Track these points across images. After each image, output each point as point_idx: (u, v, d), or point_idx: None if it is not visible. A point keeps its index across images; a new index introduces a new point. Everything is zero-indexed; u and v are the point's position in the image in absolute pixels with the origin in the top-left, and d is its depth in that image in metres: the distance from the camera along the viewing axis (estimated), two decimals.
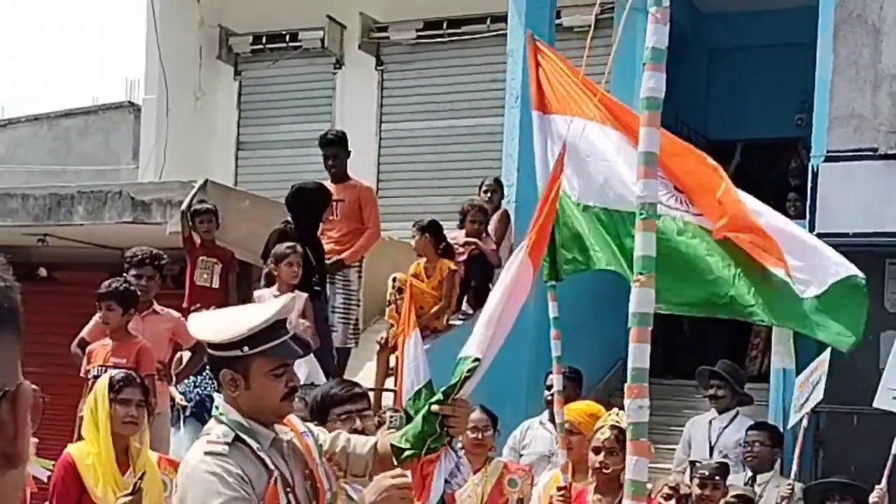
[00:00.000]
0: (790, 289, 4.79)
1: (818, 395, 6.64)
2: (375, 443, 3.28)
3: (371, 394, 8.35)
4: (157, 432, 6.68)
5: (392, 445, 3.21)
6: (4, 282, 1.07)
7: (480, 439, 5.97)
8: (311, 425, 3.33)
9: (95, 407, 4.95)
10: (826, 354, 6.06)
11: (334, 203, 8.79)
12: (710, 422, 7.61)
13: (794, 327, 5.29)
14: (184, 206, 8.94)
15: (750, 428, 7.27)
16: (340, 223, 8.93)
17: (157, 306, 7.24)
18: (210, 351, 3.08)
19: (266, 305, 3.15)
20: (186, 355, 7.47)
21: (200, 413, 7.33)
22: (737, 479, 7.14)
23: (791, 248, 4.88)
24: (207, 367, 3.38)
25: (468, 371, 3.42)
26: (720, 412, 7.60)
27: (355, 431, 3.89)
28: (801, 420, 6.88)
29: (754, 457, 7.04)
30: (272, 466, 2.99)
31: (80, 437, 5.17)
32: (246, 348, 2.96)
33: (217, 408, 3.08)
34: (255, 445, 3.00)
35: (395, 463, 3.19)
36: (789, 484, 6.72)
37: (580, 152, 5.17)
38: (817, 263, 4.96)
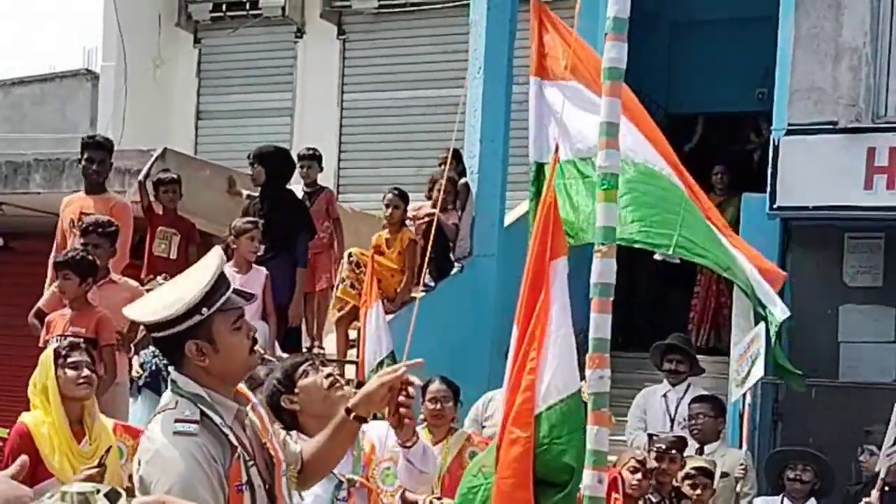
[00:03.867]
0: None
1: (759, 370, 6.66)
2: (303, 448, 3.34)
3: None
4: (116, 402, 6.63)
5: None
6: None
7: (439, 410, 5.96)
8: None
9: (45, 379, 4.89)
10: (761, 328, 6.10)
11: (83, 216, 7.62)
12: (666, 394, 7.62)
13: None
14: (142, 176, 8.83)
15: (693, 401, 7.29)
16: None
17: (114, 275, 7.15)
18: (162, 332, 2.95)
19: (202, 264, 3.03)
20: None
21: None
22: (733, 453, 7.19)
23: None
24: (162, 352, 3.17)
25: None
26: (674, 385, 7.63)
27: (329, 376, 3.90)
28: (744, 395, 6.95)
29: (699, 429, 7.05)
30: (235, 442, 2.93)
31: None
32: (205, 310, 2.89)
33: (174, 381, 2.98)
34: (218, 421, 2.93)
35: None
36: (741, 464, 6.74)
37: (577, 110, 5.06)
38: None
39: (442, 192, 9.00)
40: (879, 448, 6.48)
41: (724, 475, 6.71)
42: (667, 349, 7.69)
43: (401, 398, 3.23)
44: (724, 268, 5.17)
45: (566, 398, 3.61)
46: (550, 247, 3.69)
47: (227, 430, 2.93)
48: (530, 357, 3.64)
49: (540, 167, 5.25)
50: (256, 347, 3.12)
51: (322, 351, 8.54)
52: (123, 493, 1.32)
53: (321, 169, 9.32)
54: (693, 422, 7.10)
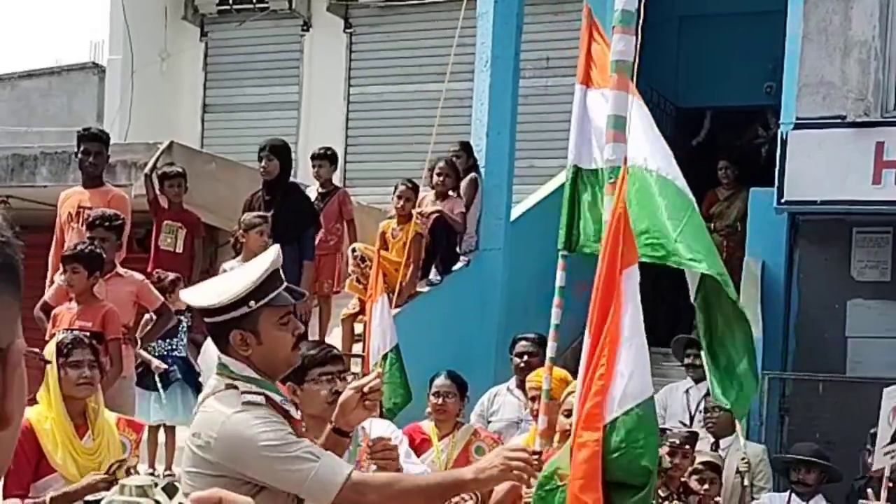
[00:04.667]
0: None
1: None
2: None
3: None
4: (121, 395, 6.62)
5: None
6: (3, 237, 1.03)
7: (442, 405, 5.95)
8: None
9: (46, 374, 4.87)
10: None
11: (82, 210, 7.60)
12: (687, 390, 7.59)
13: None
14: (147, 169, 8.82)
15: (707, 394, 7.25)
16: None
17: (120, 269, 7.14)
18: (212, 318, 3.04)
19: (257, 260, 3.15)
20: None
21: (191, 376, 7.35)
22: (702, 445, 7.17)
23: None
24: (208, 334, 3.26)
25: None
26: (697, 381, 7.58)
27: (336, 394, 3.88)
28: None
29: (714, 422, 7.04)
30: (297, 416, 3.07)
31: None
32: (252, 303, 2.97)
33: (226, 366, 3.04)
34: (278, 398, 3.03)
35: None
36: (744, 458, 6.72)
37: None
38: None
39: (441, 178, 8.99)
40: None
41: (736, 471, 6.69)
42: (688, 343, 7.65)
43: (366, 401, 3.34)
44: (719, 273, 5.17)
45: (642, 403, 3.64)
46: (621, 255, 3.68)
47: (288, 407, 3.05)
48: (601, 364, 3.65)
49: (577, 171, 5.30)
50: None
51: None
52: (180, 488, 1.32)
53: (335, 168, 9.24)
54: (709, 415, 7.06)
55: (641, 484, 3.63)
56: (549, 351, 5.33)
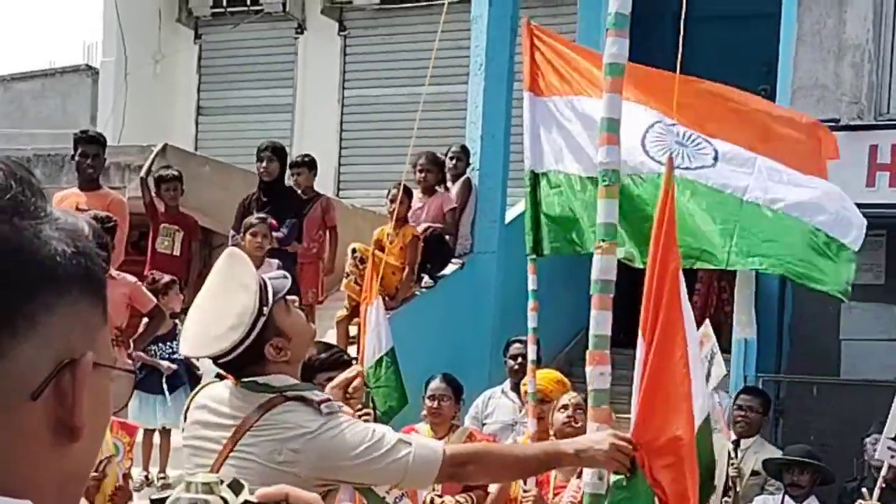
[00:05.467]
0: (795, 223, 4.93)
1: (720, 369, 6.60)
2: None
3: None
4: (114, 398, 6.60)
5: None
6: (86, 246, 1.03)
7: (437, 408, 5.96)
8: None
9: None
10: (704, 328, 6.06)
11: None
12: None
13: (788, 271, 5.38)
14: (143, 172, 8.82)
15: (743, 392, 7.17)
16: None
17: (112, 271, 7.12)
18: (235, 353, 2.87)
19: (238, 270, 2.97)
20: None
21: (194, 379, 7.31)
22: (723, 444, 7.09)
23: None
24: (235, 369, 2.97)
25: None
26: None
27: (344, 399, 3.88)
28: (710, 395, 6.89)
29: (747, 422, 6.90)
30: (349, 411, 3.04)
31: None
32: (265, 309, 2.89)
33: (266, 385, 2.89)
34: (327, 397, 2.98)
35: None
36: (734, 464, 6.69)
37: (581, 128, 5.25)
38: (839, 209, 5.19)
39: (424, 174, 9.03)
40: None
41: (755, 473, 6.64)
42: None
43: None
44: (783, 263, 5.24)
45: (707, 417, 3.66)
46: (669, 261, 3.67)
47: (339, 404, 2.98)
48: (681, 382, 3.62)
49: (535, 176, 5.39)
50: None
51: None
52: (245, 485, 1.31)
53: (315, 175, 9.21)
54: (743, 414, 6.92)
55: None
56: (530, 354, 5.37)
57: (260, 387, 2.90)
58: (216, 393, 3.00)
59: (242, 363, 2.91)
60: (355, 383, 3.34)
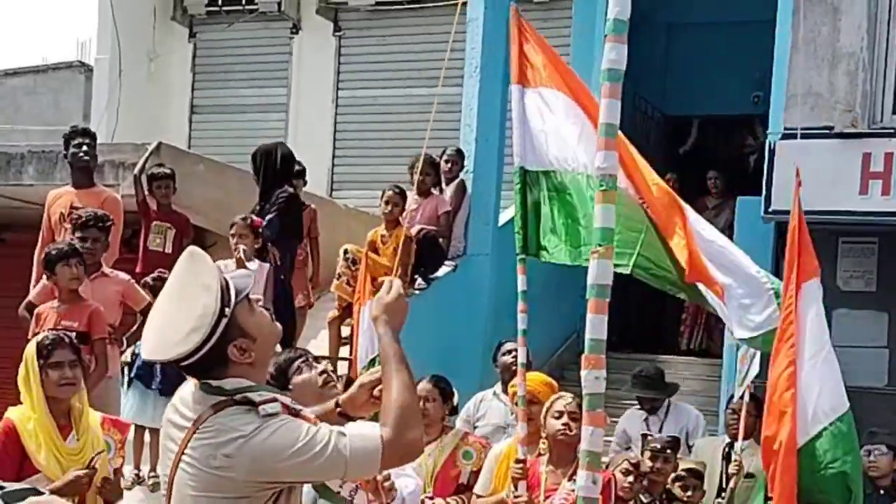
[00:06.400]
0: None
1: (755, 368, 6.68)
2: None
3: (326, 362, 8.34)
4: (107, 395, 6.60)
5: None
6: None
7: (423, 409, 5.95)
8: None
9: (27, 375, 4.84)
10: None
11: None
12: (647, 419, 7.54)
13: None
14: (137, 170, 8.80)
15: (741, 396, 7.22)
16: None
17: (106, 269, 7.13)
18: (198, 355, 2.80)
19: (199, 270, 2.89)
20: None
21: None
22: (715, 446, 7.14)
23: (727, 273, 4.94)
24: (198, 372, 2.89)
25: None
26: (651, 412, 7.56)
27: (324, 372, 3.92)
28: (742, 393, 6.97)
29: (738, 425, 6.93)
30: (312, 416, 2.90)
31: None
32: (227, 310, 2.82)
33: (218, 388, 2.83)
34: (287, 400, 2.87)
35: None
36: (736, 461, 6.74)
37: (564, 122, 5.21)
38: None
39: (422, 177, 9.04)
40: (889, 448, 6.51)
41: (750, 476, 6.66)
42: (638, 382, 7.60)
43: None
44: (679, 290, 5.19)
45: (835, 420, 3.62)
46: (798, 268, 3.66)
47: (298, 407, 2.88)
48: (787, 389, 3.63)
49: (524, 172, 5.32)
50: None
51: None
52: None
53: (305, 184, 9.17)
54: (734, 416, 6.99)
55: (844, 501, 3.57)
56: (521, 357, 5.35)
57: (213, 389, 2.84)
58: (184, 392, 2.95)
59: (205, 366, 2.84)
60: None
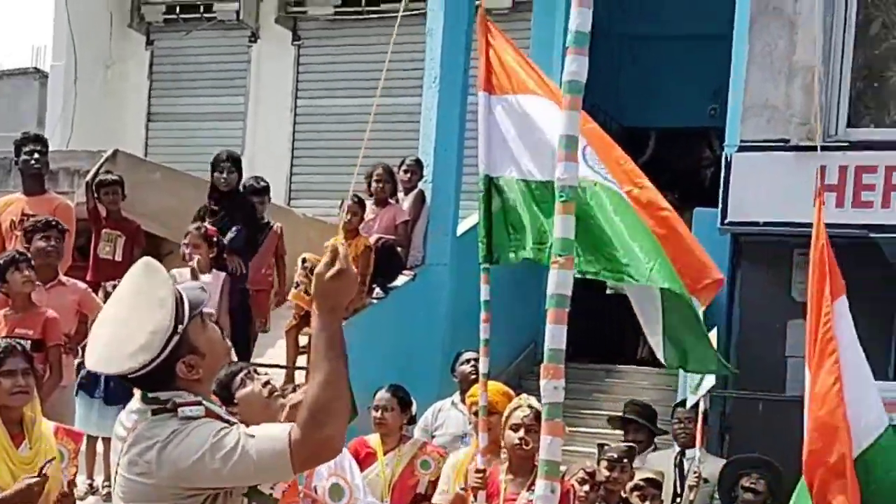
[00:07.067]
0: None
1: (710, 379, 6.76)
2: None
3: (283, 372, 8.29)
4: (61, 405, 6.53)
5: None
6: None
7: (381, 419, 5.97)
8: None
9: None
10: (711, 334, 6.16)
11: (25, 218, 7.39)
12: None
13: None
14: (89, 177, 8.74)
15: (680, 405, 7.34)
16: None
17: (62, 277, 7.06)
18: (146, 369, 2.74)
19: (154, 282, 2.82)
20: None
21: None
22: (667, 456, 7.22)
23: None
24: (143, 386, 2.83)
25: None
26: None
27: (268, 384, 3.89)
28: (697, 403, 7.04)
29: (687, 433, 7.14)
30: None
31: None
32: (180, 327, 2.75)
33: (157, 398, 2.77)
34: (221, 412, 2.83)
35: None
36: (695, 472, 6.81)
37: (535, 129, 5.18)
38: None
39: (381, 185, 9.05)
40: None
41: (705, 481, 6.78)
42: (624, 420, 7.62)
43: None
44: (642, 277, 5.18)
45: (883, 433, 3.65)
46: (831, 286, 3.68)
47: (228, 417, 2.82)
48: (838, 406, 3.65)
49: (490, 180, 5.32)
50: None
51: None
52: None
53: (269, 200, 9.09)
54: (682, 426, 7.16)
55: None
56: (482, 367, 5.37)
57: (150, 400, 2.80)
58: (130, 405, 2.92)
59: (152, 381, 2.79)
60: None
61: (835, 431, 3.71)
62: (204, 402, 2.78)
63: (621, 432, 7.61)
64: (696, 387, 6.99)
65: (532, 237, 5.20)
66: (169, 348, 2.74)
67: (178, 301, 2.77)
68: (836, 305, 3.70)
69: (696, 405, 7.15)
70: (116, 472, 2.82)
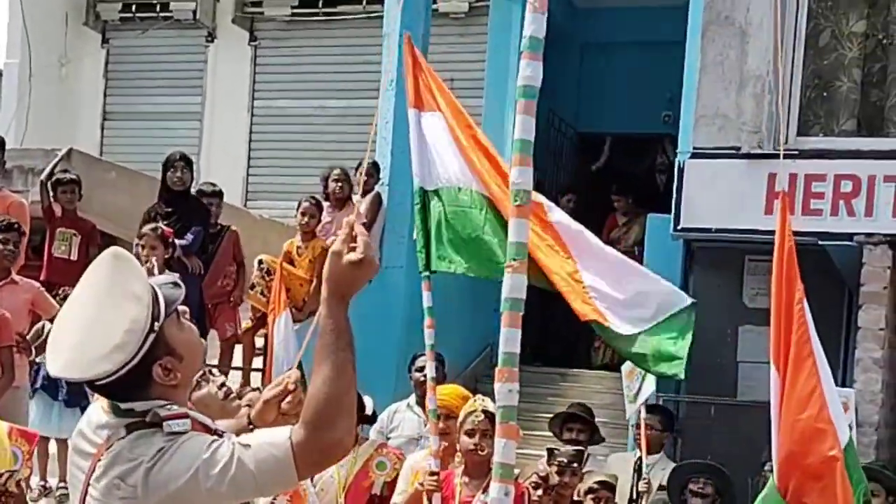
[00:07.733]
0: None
1: (650, 386, 6.82)
2: None
3: (239, 373, 8.30)
4: (14, 406, 6.49)
5: None
6: None
7: None
8: None
9: None
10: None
11: None
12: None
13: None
14: (44, 176, 8.70)
15: (646, 410, 7.36)
16: None
17: (15, 276, 7.02)
18: (119, 374, 2.43)
19: (125, 276, 2.52)
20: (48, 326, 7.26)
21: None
22: (626, 460, 7.28)
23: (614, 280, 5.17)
24: (113, 393, 2.51)
25: None
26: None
27: (223, 385, 3.90)
28: (638, 411, 7.11)
29: (649, 439, 7.11)
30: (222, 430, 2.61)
31: None
32: (156, 324, 2.47)
33: (132, 409, 2.48)
34: (204, 419, 2.55)
35: None
36: (645, 479, 6.86)
37: (448, 142, 5.47)
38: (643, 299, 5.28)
39: (340, 185, 9.11)
40: None
41: (662, 488, 6.78)
42: (567, 418, 7.58)
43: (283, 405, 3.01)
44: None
45: (846, 447, 3.74)
46: (794, 289, 3.75)
47: (214, 426, 2.55)
48: (818, 407, 3.70)
49: (424, 192, 5.55)
50: None
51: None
52: None
53: (221, 204, 9.05)
54: (639, 431, 7.16)
55: None
56: (429, 371, 5.45)
57: (123, 411, 2.50)
58: (92, 415, 2.62)
59: (124, 387, 2.47)
60: (289, 398, 3.00)
61: (817, 434, 3.77)
62: (190, 413, 2.50)
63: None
64: (636, 395, 7.07)
65: (478, 252, 5.43)
66: (145, 348, 2.45)
67: (154, 297, 2.50)
68: (804, 306, 3.79)
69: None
70: (84, 494, 2.51)
